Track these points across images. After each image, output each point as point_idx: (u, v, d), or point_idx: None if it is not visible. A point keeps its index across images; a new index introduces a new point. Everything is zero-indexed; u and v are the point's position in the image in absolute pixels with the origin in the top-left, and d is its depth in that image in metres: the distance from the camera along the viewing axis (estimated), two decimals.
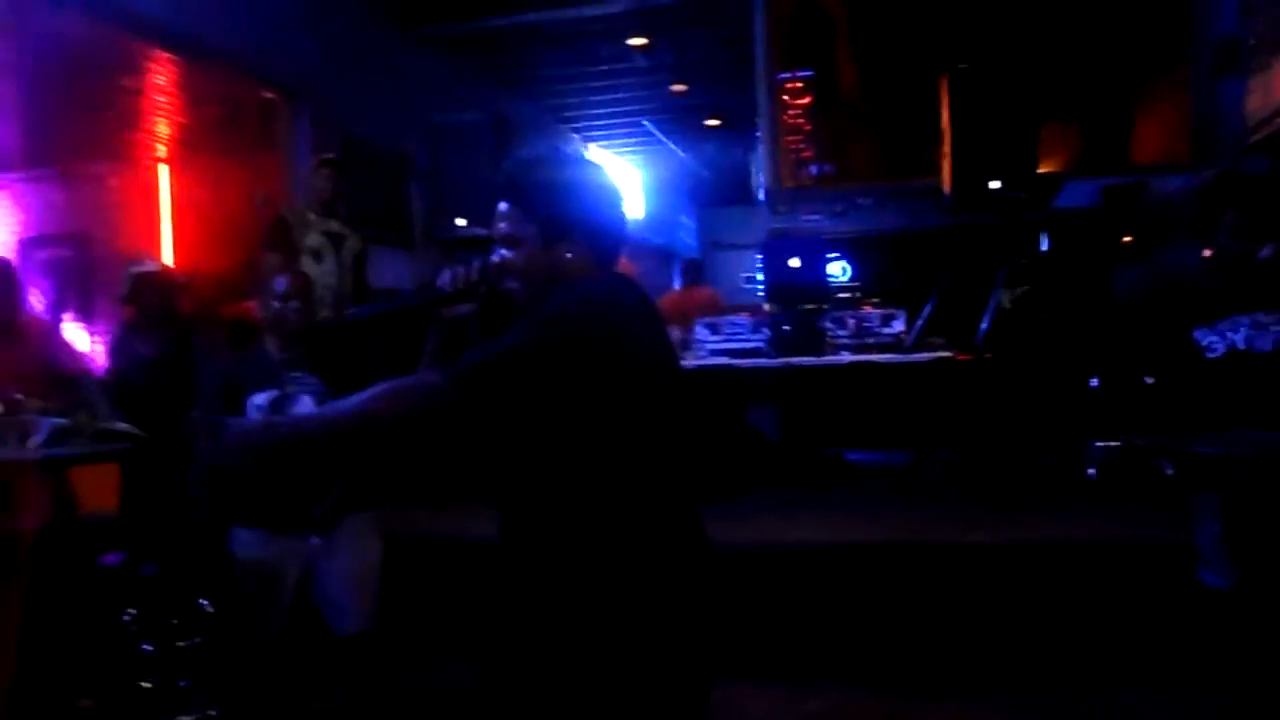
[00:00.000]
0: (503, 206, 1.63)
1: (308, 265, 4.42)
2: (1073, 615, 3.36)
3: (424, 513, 4.45)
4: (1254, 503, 2.48)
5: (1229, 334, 2.51)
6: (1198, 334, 2.55)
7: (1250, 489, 2.47)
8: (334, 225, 4.58)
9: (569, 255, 1.61)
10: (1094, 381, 4.56)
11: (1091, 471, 4.50)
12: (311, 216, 4.56)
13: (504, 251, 1.63)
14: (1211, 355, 2.53)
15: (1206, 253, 2.59)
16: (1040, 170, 5.24)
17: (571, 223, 1.62)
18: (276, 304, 3.04)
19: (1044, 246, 5.80)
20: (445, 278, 1.68)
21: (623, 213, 1.71)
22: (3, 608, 2.61)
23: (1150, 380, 2.92)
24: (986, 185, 4.95)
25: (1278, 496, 2.44)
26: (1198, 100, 5.90)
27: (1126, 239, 5.76)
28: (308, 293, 3.17)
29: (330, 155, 4.92)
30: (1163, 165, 5.90)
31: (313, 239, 4.49)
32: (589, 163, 1.74)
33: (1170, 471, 2.99)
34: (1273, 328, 2.47)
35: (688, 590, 1.58)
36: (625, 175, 11.31)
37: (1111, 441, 4.46)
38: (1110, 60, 6.14)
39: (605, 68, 8.27)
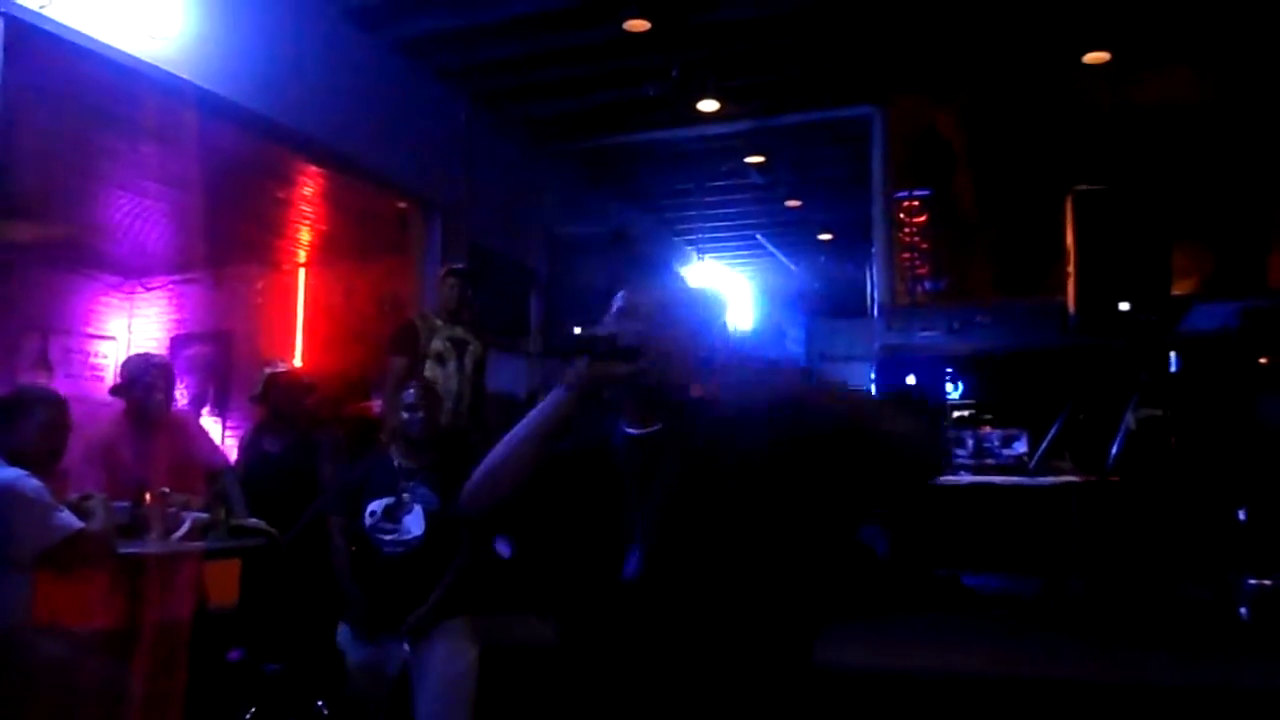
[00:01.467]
0: (658, 292, 1.65)
1: (431, 369, 4.58)
2: None
3: (520, 620, 4.44)
4: None
5: None
6: None
7: None
8: (459, 331, 4.74)
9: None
10: (1242, 513, 4.29)
11: (1244, 611, 4.19)
12: (438, 322, 4.73)
13: (642, 326, 1.59)
14: None
15: None
16: (1172, 292, 5.09)
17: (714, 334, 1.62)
18: (405, 414, 3.15)
19: (1174, 368, 5.58)
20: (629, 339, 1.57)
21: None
22: (161, 699, 2.70)
23: None
24: (1115, 306, 4.81)
25: None
26: None
27: (1263, 360, 5.49)
28: (434, 405, 3.28)
29: (458, 264, 5.13)
30: None
31: (437, 343, 4.66)
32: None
33: None
34: None
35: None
36: (736, 286, 11.43)
37: (1265, 580, 4.16)
38: (1246, 179, 5.98)
39: (721, 183, 8.47)
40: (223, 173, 5.75)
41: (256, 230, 7.32)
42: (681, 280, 1.63)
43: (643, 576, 1.41)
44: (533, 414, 1.54)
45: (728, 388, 1.56)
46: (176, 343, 8.11)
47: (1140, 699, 3.29)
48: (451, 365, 4.69)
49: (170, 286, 8.39)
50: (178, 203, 6.58)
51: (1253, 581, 4.19)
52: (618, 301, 1.61)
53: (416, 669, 3.03)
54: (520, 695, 3.83)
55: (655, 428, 1.54)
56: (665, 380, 1.52)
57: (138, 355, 3.77)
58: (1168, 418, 4.89)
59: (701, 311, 1.61)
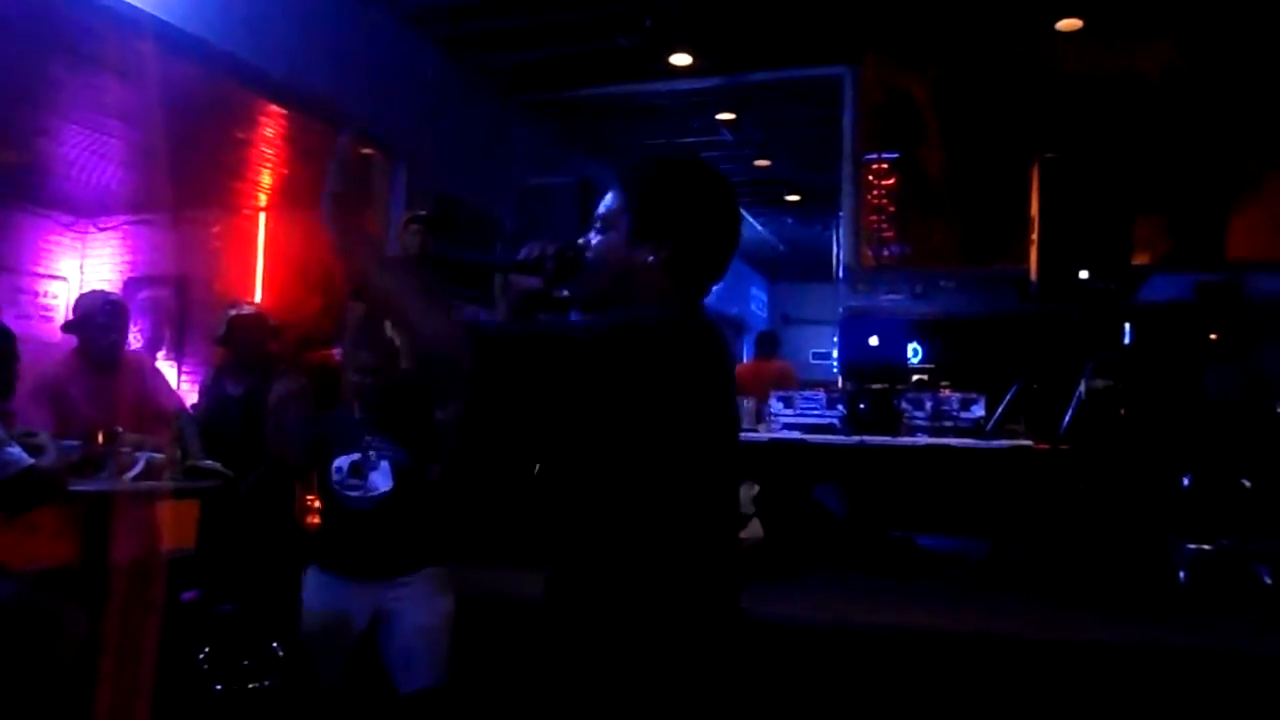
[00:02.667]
0: (610, 193, 1.55)
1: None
2: None
3: (500, 572, 4.46)
4: None
5: None
6: None
7: None
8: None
9: (650, 259, 1.49)
10: (1186, 481, 4.40)
11: (1182, 574, 4.32)
12: None
13: (591, 235, 1.55)
14: None
15: None
16: (1131, 262, 5.16)
17: (666, 227, 1.49)
18: (359, 377, 3.11)
19: (1128, 339, 5.68)
20: (526, 251, 1.61)
21: (729, 244, 1.57)
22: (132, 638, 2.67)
23: (1248, 483, 2.81)
24: (1075, 274, 4.88)
25: None
26: None
27: (1213, 336, 5.61)
28: (391, 361, 3.23)
29: (421, 212, 5.05)
30: (1258, 263, 5.75)
31: None
32: (720, 181, 1.59)
33: (1269, 579, 2.87)
34: None
35: (710, 651, 1.44)
36: None
37: (1204, 544, 4.29)
38: (1207, 155, 6.06)
39: (691, 140, 8.41)
40: (181, 110, 5.59)
41: (215, 171, 7.16)
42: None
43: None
44: None
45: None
46: (130, 285, 7.93)
47: (1078, 656, 3.39)
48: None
49: (124, 227, 8.18)
50: (133, 140, 6.41)
51: (1191, 546, 4.31)
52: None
53: (389, 617, 3.02)
54: (499, 646, 3.87)
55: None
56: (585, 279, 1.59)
57: (91, 292, 3.69)
58: (1119, 388, 4.98)
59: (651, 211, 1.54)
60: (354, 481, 3.04)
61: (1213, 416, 4.37)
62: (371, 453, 3.05)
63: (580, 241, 1.56)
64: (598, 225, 1.55)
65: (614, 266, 1.52)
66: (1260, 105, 5.97)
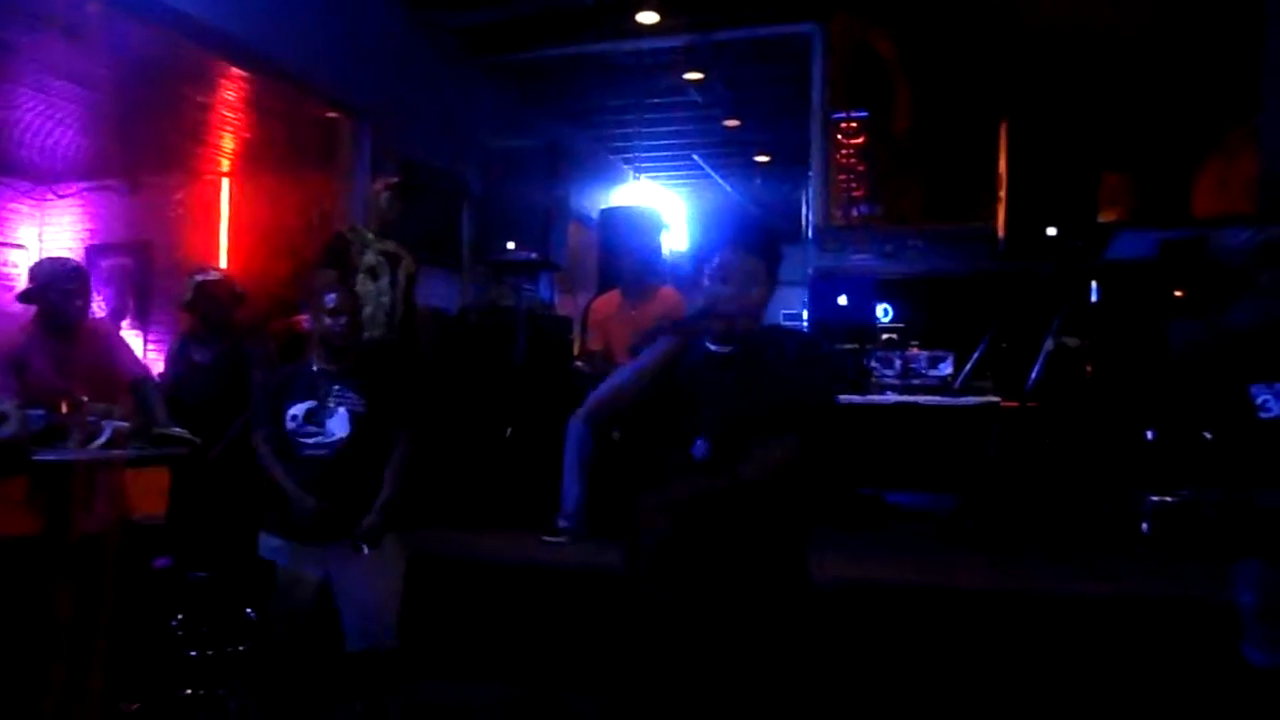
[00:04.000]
0: (740, 251, 2.06)
1: (363, 283, 4.49)
2: (1111, 671, 3.29)
3: (453, 534, 4.50)
4: None
5: None
6: (1254, 389, 2.50)
7: None
8: (390, 245, 4.64)
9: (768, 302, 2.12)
10: (1149, 434, 4.48)
11: (1145, 525, 4.41)
12: (369, 235, 4.63)
13: (732, 288, 2.05)
14: (1265, 415, 2.48)
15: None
16: (1098, 219, 5.20)
17: (776, 279, 2.14)
18: (327, 320, 3.11)
19: (1095, 295, 5.74)
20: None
21: None
22: (83, 608, 2.66)
23: (1209, 435, 2.86)
24: (1043, 232, 4.91)
25: None
26: (1265, 157, 5.82)
27: (1179, 293, 5.67)
28: (355, 310, 3.25)
29: (395, 179, 4.99)
30: (1223, 219, 5.81)
31: (369, 257, 4.56)
32: None
33: (1228, 528, 2.93)
34: None
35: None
36: (672, 207, 11.37)
37: (1167, 496, 4.38)
38: (1172, 112, 6.09)
39: (659, 100, 8.34)
40: (137, 73, 5.48)
41: (176, 136, 7.01)
42: (765, 242, 2.16)
43: (709, 459, 1.98)
44: (648, 355, 2.06)
45: (787, 334, 2.25)
46: (92, 252, 7.79)
47: (1044, 608, 3.47)
48: (385, 280, 4.60)
49: (84, 194, 8.02)
50: (90, 104, 6.27)
51: (1154, 498, 4.41)
52: (719, 259, 2.07)
53: (342, 581, 3.03)
54: (449, 607, 3.91)
55: (730, 349, 2.09)
56: (733, 326, 2.06)
57: (50, 259, 3.62)
58: (1085, 345, 5.05)
59: (775, 265, 2.13)
60: (310, 429, 3.03)
61: (1174, 371, 4.44)
62: (330, 400, 3.05)
63: (726, 294, 2.06)
64: (729, 277, 2.06)
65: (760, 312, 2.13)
66: (1223, 62, 6.01)
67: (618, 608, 2.20)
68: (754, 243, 2.10)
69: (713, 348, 2.09)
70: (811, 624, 2.08)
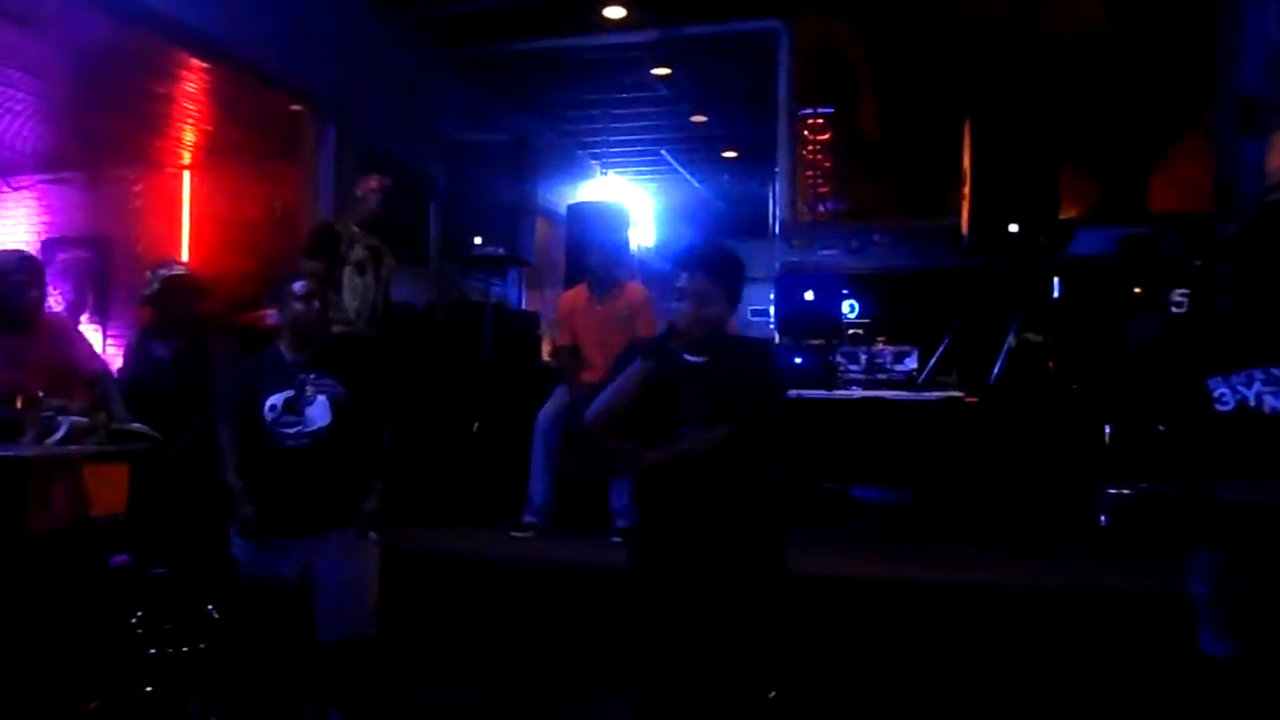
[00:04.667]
0: (698, 274, 2.41)
1: (351, 277, 4.46)
2: (1070, 662, 3.34)
3: (420, 530, 4.48)
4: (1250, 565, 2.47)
5: (1241, 388, 2.51)
6: (1211, 383, 2.55)
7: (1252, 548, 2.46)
8: (374, 241, 4.61)
9: (729, 315, 2.51)
10: (1108, 429, 4.55)
11: (1103, 518, 4.48)
12: (355, 229, 4.58)
13: (688, 306, 2.40)
14: (1222, 408, 2.53)
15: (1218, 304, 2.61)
16: (1059, 216, 5.27)
17: (737, 295, 2.49)
18: (297, 306, 3.08)
19: (1057, 292, 5.82)
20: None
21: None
22: (38, 606, 2.62)
23: (1163, 429, 2.92)
24: (1005, 228, 4.97)
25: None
26: (1220, 156, 5.93)
27: (1137, 290, 5.77)
28: (325, 296, 3.22)
29: (388, 178, 4.92)
30: (1180, 217, 5.92)
31: (358, 251, 4.52)
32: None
33: (1184, 520, 2.99)
34: None
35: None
36: (640, 202, 11.37)
37: (1124, 489, 4.45)
38: (1131, 111, 6.19)
39: (627, 95, 8.34)
40: (96, 63, 5.38)
41: (135, 128, 6.91)
42: (718, 262, 2.52)
43: None
44: (626, 376, 2.43)
45: (744, 341, 2.78)
46: (49, 246, 7.65)
47: (1003, 600, 3.51)
48: (370, 275, 4.58)
49: (39, 186, 7.88)
50: (46, 95, 6.15)
51: (1112, 491, 4.48)
52: (680, 281, 2.42)
53: (319, 571, 3.01)
54: (416, 603, 3.89)
55: (704, 359, 2.46)
56: (701, 337, 2.43)
57: (2, 251, 3.54)
58: (1047, 340, 5.12)
59: (731, 282, 2.46)
60: (290, 418, 2.98)
61: (1131, 365, 4.52)
62: (308, 388, 3.01)
63: (685, 308, 2.42)
64: (695, 298, 2.41)
65: (720, 325, 2.49)
66: (1179, 61, 6.11)
67: (602, 600, 2.64)
68: (711, 265, 2.44)
69: (689, 358, 2.46)
70: (788, 611, 2.48)
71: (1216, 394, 2.53)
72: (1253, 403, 2.49)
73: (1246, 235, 2.82)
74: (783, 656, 2.50)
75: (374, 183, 4.66)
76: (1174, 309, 4.88)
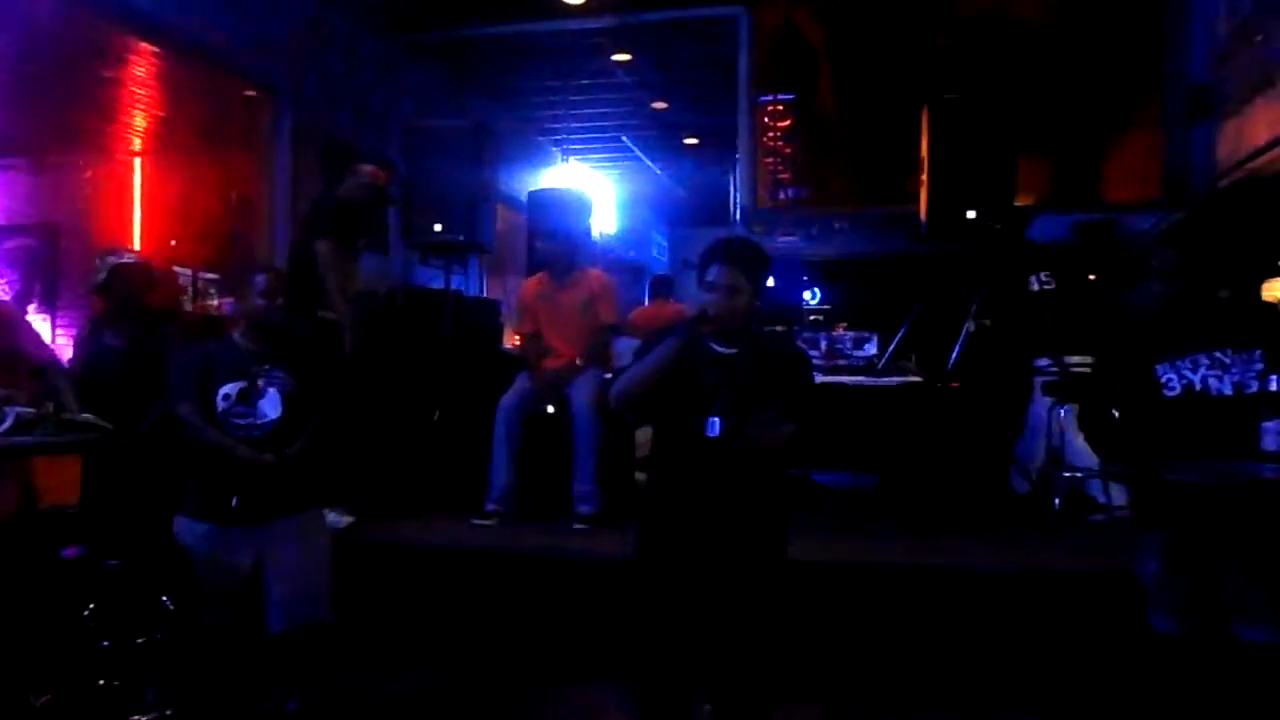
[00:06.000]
0: (727, 266, 2.47)
1: (351, 261, 4.45)
2: (1027, 641, 3.40)
3: (381, 520, 4.45)
4: (1198, 543, 2.53)
5: (1188, 373, 2.56)
6: (1159, 369, 2.59)
7: (1199, 527, 2.52)
8: None
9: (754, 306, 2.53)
10: (1062, 412, 4.63)
11: (1056, 501, 4.56)
12: None
13: (719, 297, 2.45)
14: (1169, 394, 2.58)
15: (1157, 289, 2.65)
16: (1015, 203, 5.33)
17: (762, 287, 2.55)
18: (260, 301, 3.04)
19: (1014, 278, 5.89)
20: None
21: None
22: None
23: (1116, 413, 2.96)
24: (963, 214, 5.02)
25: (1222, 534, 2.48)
26: (1170, 143, 6.04)
27: (1091, 276, 5.86)
28: (284, 293, 3.18)
29: (378, 166, 4.86)
30: (1133, 204, 6.02)
31: (361, 240, 4.52)
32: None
33: (1133, 502, 3.05)
34: (1234, 370, 2.52)
35: None
36: (601, 190, 11.34)
37: (1077, 473, 4.53)
38: (1084, 98, 6.28)
39: (587, 81, 8.31)
40: (40, 47, 5.23)
41: (83, 113, 6.74)
42: (747, 256, 2.58)
43: (723, 436, 2.44)
44: (659, 352, 2.47)
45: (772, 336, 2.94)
46: None
47: (962, 581, 3.56)
48: (363, 261, 4.57)
49: None
50: None
51: (1065, 475, 4.56)
52: (710, 275, 2.48)
53: (273, 559, 2.99)
54: (378, 593, 3.87)
55: (734, 350, 2.52)
56: (731, 327, 2.48)
57: None
58: (1006, 325, 5.19)
59: (758, 276, 2.52)
60: (241, 409, 2.97)
61: (1084, 351, 4.59)
62: (260, 380, 2.99)
63: (715, 299, 2.47)
64: (725, 290, 2.46)
65: (747, 316, 2.53)
66: (1129, 50, 6.21)
67: (564, 587, 2.72)
68: (740, 257, 2.51)
69: (718, 349, 2.52)
70: (787, 594, 2.55)
71: (1164, 380, 2.58)
72: (1198, 386, 2.54)
73: (1189, 222, 2.86)
74: (783, 644, 2.57)
75: (378, 175, 4.60)
76: (1043, 287, 5.02)
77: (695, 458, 2.48)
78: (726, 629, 2.46)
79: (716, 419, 2.43)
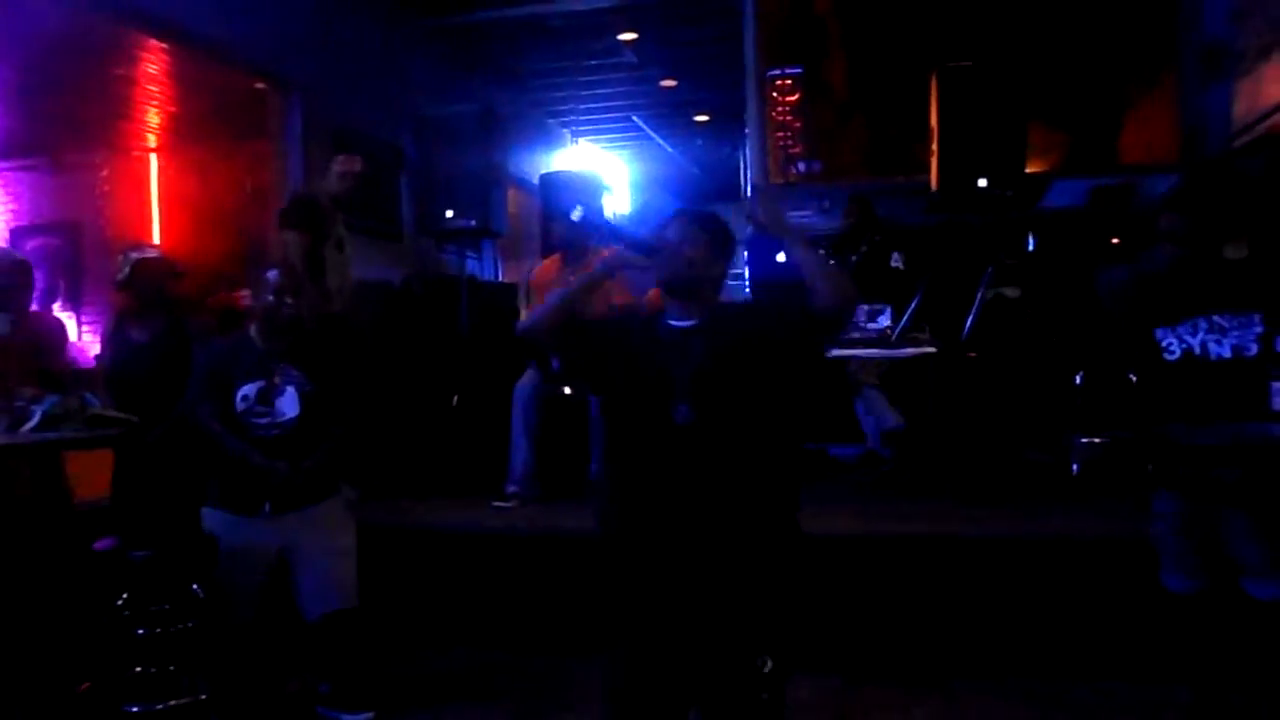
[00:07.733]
0: (688, 223, 2.17)
1: (332, 253, 4.46)
2: (1050, 607, 3.42)
3: (403, 504, 4.52)
4: (1210, 505, 2.54)
5: (1187, 337, 2.57)
6: (1159, 333, 2.60)
7: (1210, 489, 2.53)
8: (341, 218, 4.61)
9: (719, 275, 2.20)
10: (1078, 378, 4.61)
11: (1075, 467, 4.55)
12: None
13: (672, 238, 2.15)
14: (1169, 357, 2.59)
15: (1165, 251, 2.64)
16: (1028, 170, 5.29)
17: (726, 251, 2.21)
18: (270, 298, 3.09)
19: (1031, 245, 5.86)
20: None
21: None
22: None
23: (1134, 377, 2.97)
24: (974, 183, 5.00)
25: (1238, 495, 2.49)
26: (1185, 104, 5.96)
27: (1115, 240, 5.81)
28: (298, 290, 3.22)
29: (359, 160, 4.88)
30: (1150, 167, 5.96)
31: (340, 228, 4.53)
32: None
33: (1151, 467, 3.05)
34: (1232, 333, 2.52)
35: None
36: (613, 170, 11.33)
37: (1095, 438, 4.51)
38: (1098, 62, 6.20)
39: (594, 62, 8.28)
40: (53, 47, 5.28)
41: (98, 112, 6.82)
42: (705, 219, 2.23)
43: (692, 422, 2.05)
44: (580, 278, 2.25)
45: (738, 303, 2.44)
46: (17, 234, 7.57)
47: (975, 551, 3.59)
48: (346, 252, 4.59)
49: (5, 174, 7.78)
50: (4, 81, 6.05)
51: (1083, 440, 4.55)
52: (667, 231, 2.17)
53: (298, 548, 3.06)
54: (402, 578, 3.94)
55: (692, 322, 2.14)
56: (676, 281, 2.15)
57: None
58: (1022, 292, 5.16)
59: (725, 246, 2.20)
60: (260, 409, 3.04)
61: (1099, 315, 4.56)
62: (277, 379, 3.05)
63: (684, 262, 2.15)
64: (671, 233, 2.16)
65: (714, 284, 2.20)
66: (1143, 12, 6.13)
67: (587, 566, 2.33)
68: (701, 219, 2.21)
69: (675, 322, 2.16)
70: (802, 569, 2.20)
71: (1164, 344, 2.59)
72: (1198, 351, 2.55)
73: (1191, 187, 2.84)
74: (789, 624, 2.14)
75: (350, 164, 4.63)
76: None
77: (664, 450, 2.07)
78: (723, 638, 2.07)
79: (684, 405, 2.04)
